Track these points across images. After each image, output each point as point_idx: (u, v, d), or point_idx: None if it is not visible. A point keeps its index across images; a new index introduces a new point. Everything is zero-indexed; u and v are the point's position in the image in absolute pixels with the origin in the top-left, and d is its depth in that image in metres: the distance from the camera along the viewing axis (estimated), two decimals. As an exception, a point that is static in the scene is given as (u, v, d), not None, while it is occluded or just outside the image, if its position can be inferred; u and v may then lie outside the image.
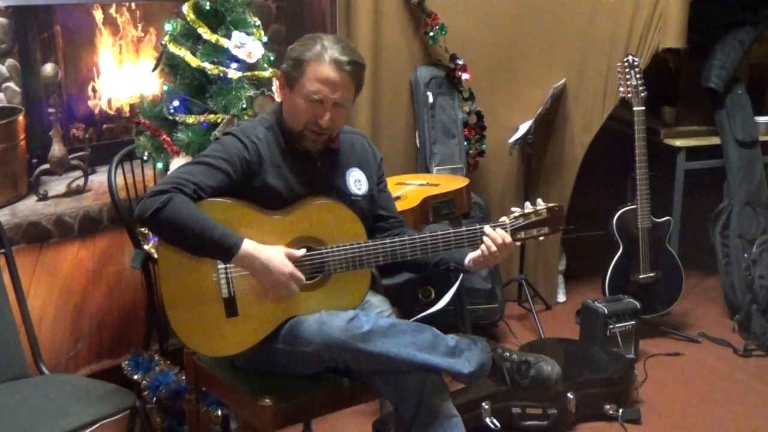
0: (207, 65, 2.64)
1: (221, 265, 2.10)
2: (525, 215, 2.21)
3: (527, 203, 2.24)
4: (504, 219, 2.21)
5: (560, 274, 4.21)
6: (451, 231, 2.18)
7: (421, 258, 2.23)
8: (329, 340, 2.06)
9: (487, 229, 2.16)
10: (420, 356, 2.08)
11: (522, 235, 2.21)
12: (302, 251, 2.12)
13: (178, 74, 2.70)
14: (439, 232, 2.18)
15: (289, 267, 2.07)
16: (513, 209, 2.23)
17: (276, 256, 2.06)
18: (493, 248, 2.15)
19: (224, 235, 2.02)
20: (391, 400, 2.18)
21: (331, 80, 2.11)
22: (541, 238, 2.23)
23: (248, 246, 2.04)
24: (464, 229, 2.18)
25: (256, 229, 2.09)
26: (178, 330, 2.13)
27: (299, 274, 2.09)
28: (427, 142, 3.82)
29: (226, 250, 2.03)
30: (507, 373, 2.17)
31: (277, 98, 2.71)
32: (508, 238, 2.17)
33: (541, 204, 2.23)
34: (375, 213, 2.36)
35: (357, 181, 2.30)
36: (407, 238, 2.17)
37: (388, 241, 2.16)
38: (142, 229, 2.84)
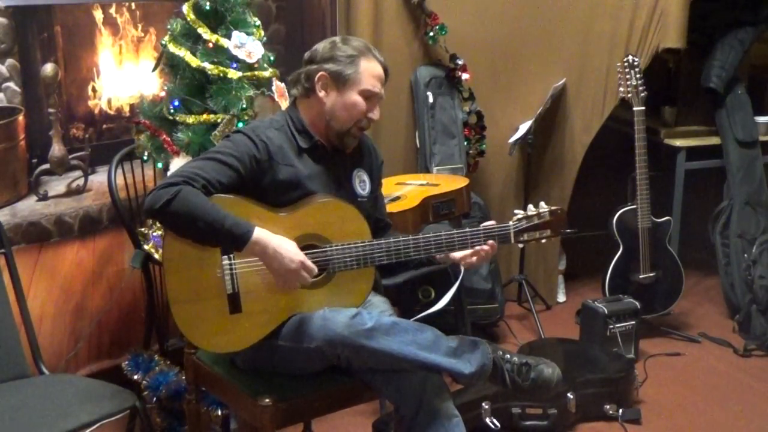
0: (207, 65, 2.64)
1: (226, 261, 2.11)
2: (528, 217, 2.24)
3: (530, 206, 2.26)
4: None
5: (560, 274, 4.21)
6: (455, 231, 2.21)
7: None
8: (332, 336, 2.07)
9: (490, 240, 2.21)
10: (422, 355, 2.09)
11: (525, 237, 2.24)
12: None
13: (178, 74, 2.70)
14: (443, 233, 2.21)
15: (299, 255, 2.08)
16: (516, 211, 2.26)
17: (287, 244, 2.08)
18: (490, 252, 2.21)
19: (236, 223, 2.04)
20: (392, 400, 2.18)
21: (381, 76, 2.24)
22: (543, 240, 2.27)
23: (260, 233, 2.06)
24: (468, 230, 2.20)
25: (263, 225, 2.10)
26: (180, 324, 2.13)
27: (311, 263, 2.10)
28: (427, 142, 3.82)
29: (239, 238, 2.04)
30: (507, 375, 2.17)
31: (280, 102, 2.72)
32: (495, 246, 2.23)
33: (543, 207, 2.26)
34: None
35: (362, 182, 2.34)
36: (411, 237, 2.19)
37: (392, 240, 2.18)
38: (142, 229, 2.84)
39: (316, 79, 2.21)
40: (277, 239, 2.08)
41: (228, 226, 2.03)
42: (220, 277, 2.12)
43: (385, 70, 2.25)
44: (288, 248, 2.08)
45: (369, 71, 2.21)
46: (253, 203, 2.15)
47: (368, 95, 2.21)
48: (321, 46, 2.25)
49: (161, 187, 2.04)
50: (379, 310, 2.28)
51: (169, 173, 2.67)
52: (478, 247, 2.21)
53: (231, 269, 2.12)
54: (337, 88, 2.20)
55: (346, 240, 2.17)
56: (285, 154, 2.20)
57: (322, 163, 2.26)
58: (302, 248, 2.13)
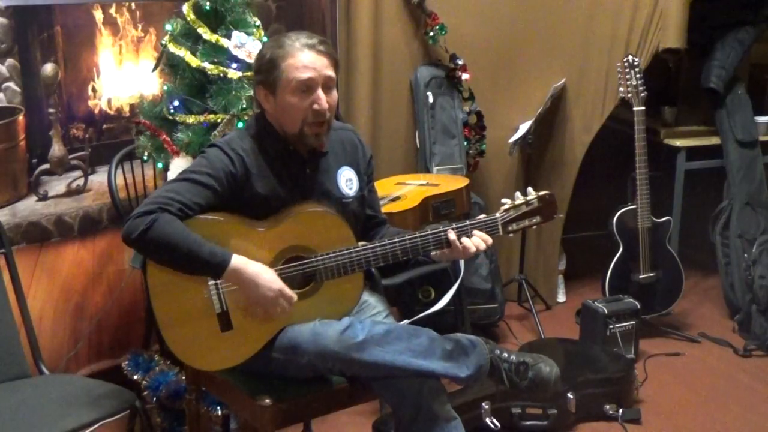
0: (207, 65, 2.64)
1: (211, 281, 2.09)
2: (515, 207, 2.19)
3: (517, 193, 2.21)
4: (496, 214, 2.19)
5: (560, 274, 4.21)
6: (440, 229, 2.15)
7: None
8: (323, 351, 2.05)
9: (477, 232, 2.15)
10: (416, 362, 2.06)
11: (513, 227, 2.19)
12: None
13: (178, 74, 2.70)
14: (428, 231, 2.15)
15: (277, 284, 2.05)
16: (503, 200, 2.20)
17: (264, 272, 2.05)
18: (483, 246, 2.14)
19: (212, 252, 2.02)
20: (390, 403, 2.16)
21: (312, 64, 2.10)
22: (534, 227, 2.21)
23: (236, 262, 2.03)
24: (454, 225, 2.15)
25: (245, 243, 2.08)
26: (174, 348, 2.12)
27: (289, 291, 2.06)
28: (427, 142, 3.82)
29: (215, 267, 2.02)
30: (505, 375, 2.16)
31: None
32: (489, 240, 2.16)
33: (531, 193, 2.20)
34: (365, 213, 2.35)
35: (348, 181, 2.28)
36: (397, 239, 2.14)
37: (378, 243, 2.14)
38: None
39: (256, 94, 2.19)
40: (253, 267, 2.04)
41: (204, 255, 2.00)
42: (207, 297, 2.10)
43: (322, 52, 2.11)
44: (265, 277, 2.05)
45: (293, 66, 2.09)
46: (233, 222, 2.11)
47: (305, 87, 2.10)
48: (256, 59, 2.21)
49: (137, 215, 2.01)
50: (375, 311, 2.28)
51: (169, 174, 2.68)
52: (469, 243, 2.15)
53: (218, 289, 2.10)
54: (273, 95, 2.14)
55: (330, 248, 2.13)
56: (261, 165, 2.15)
57: (299, 168, 2.21)
58: (288, 261, 2.10)
